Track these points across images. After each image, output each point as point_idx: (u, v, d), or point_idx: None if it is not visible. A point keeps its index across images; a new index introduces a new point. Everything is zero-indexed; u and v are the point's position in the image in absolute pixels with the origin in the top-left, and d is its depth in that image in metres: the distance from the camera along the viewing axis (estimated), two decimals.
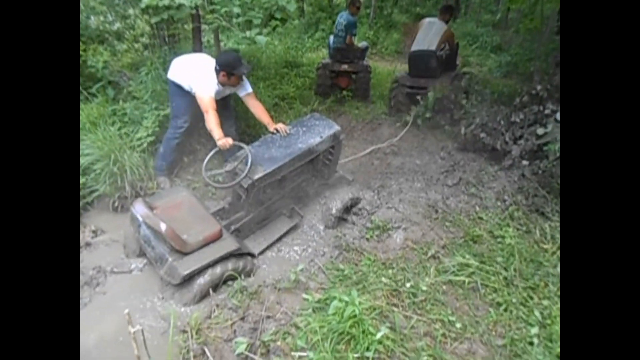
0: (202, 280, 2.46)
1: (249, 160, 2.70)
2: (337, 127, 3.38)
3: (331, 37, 6.34)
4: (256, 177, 2.76)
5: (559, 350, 2.06)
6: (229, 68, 3.06)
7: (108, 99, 3.85)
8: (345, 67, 6.08)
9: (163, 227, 2.31)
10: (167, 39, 4.85)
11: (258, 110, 3.35)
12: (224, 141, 2.91)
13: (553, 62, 4.16)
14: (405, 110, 5.51)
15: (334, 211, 3.17)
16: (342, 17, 6.10)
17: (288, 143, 3.11)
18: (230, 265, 2.56)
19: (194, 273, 2.39)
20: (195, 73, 3.22)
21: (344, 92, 6.22)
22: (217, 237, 2.58)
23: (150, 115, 3.63)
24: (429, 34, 5.40)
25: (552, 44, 7.10)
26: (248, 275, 2.72)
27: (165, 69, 3.95)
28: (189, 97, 3.40)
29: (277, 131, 3.24)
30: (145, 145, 3.66)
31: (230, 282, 2.60)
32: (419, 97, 5.27)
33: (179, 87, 3.38)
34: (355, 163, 4.50)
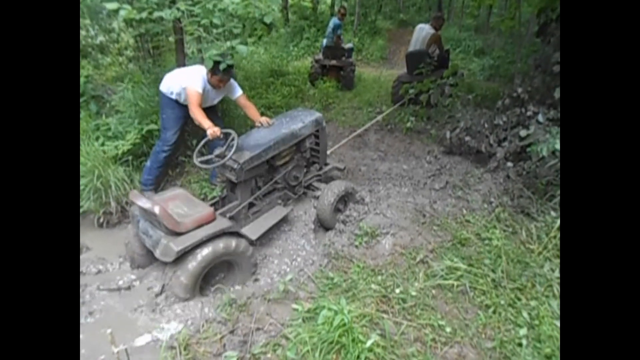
0: (196, 258, 2.49)
1: (235, 144, 2.86)
2: (318, 114, 3.57)
3: (324, 39, 7.89)
4: (242, 160, 2.91)
5: (547, 350, 2.08)
6: (214, 68, 3.19)
7: (91, 113, 3.82)
8: (334, 62, 7.47)
9: (157, 208, 2.38)
10: (151, 52, 4.85)
11: (251, 110, 3.55)
12: (213, 130, 2.98)
13: (533, 64, 4.23)
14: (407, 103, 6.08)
15: (330, 199, 3.28)
16: (331, 21, 7.65)
17: (272, 131, 3.31)
18: (227, 243, 2.60)
19: (187, 249, 2.45)
20: (187, 73, 3.36)
21: (328, 83, 7.22)
22: (211, 219, 2.65)
23: (133, 129, 3.60)
24: (420, 38, 6.33)
25: (532, 46, 7.25)
26: (248, 261, 2.79)
27: (150, 82, 3.95)
28: (179, 110, 3.47)
29: (261, 124, 3.42)
30: (130, 159, 3.63)
31: (218, 295, 2.57)
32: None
33: (170, 99, 3.44)
34: (342, 165, 4.53)
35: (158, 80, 3.93)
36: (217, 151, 2.97)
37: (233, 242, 2.66)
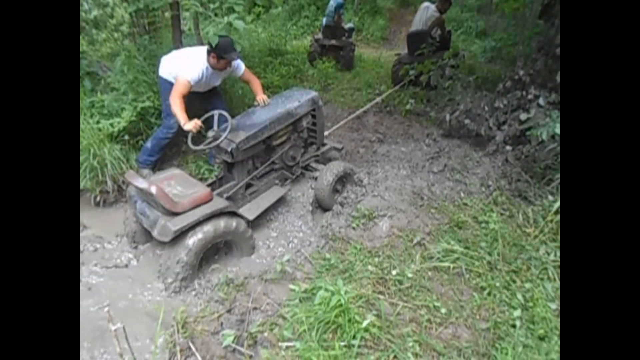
0: (195, 238, 2.49)
1: (229, 125, 2.84)
2: (314, 93, 3.51)
3: (324, 19, 7.58)
4: (238, 140, 2.87)
5: (541, 331, 2.12)
6: (220, 51, 3.10)
7: (86, 90, 3.74)
8: (333, 42, 7.32)
9: (154, 189, 2.37)
10: (147, 28, 4.72)
11: (254, 84, 3.50)
12: (191, 124, 2.88)
13: (536, 47, 4.16)
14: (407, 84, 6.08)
15: (329, 179, 3.28)
16: (334, 0, 7.27)
17: (268, 110, 3.26)
18: (223, 223, 2.60)
19: (184, 229, 2.45)
20: (183, 59, 3.25)
21: (327, 63, 7.06)
22: (208, 199, 2.64)
23: (129, 106, 3.53)
24: (423, 18, 6.21)
25: (535, 28, 7.12)
26: (247, 242, 2.80)
27: (145, 58, 3.86)
28: None
29: (258, 103, 3.37)
30: (126, 138, 3.58)
31: (216, 275, 2.59)
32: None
33: (170, 84, 3.31)
34: (340, 145, 4.50)
35: (153, 56, 3.85)
36: (211, 132, 2.91)
37: (232, 222, 2.66)
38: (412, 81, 5.80)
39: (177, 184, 2.73)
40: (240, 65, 3.43)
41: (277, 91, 5.61)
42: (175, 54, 3.42)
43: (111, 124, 3.46)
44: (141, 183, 2.45)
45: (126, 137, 3.57)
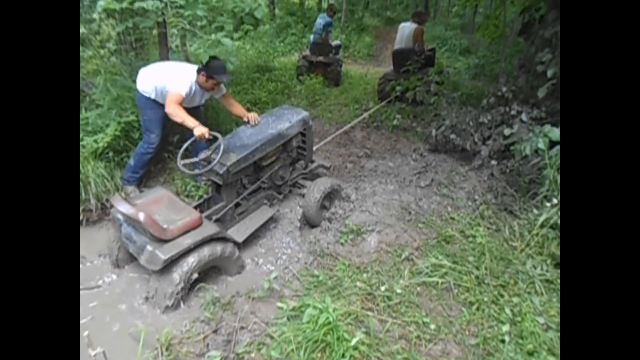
0: (184, 266, 2.42)
1: (221, 148, 2.74)
2: (305, 113, 3.47)
3: (312, 36, 7.79)
4: (229, 163, 2.80)
5: (529, 346, 2.11)
6: (211, 71, 3.09)
7: None
8: (321, 58, 7.45)
9: (141, 216, 2.28)
10: (133, 44, 4.72)
11: (234, 107, 3.43)
12: (200, 131, 2.84)
13: (517, 64, 4.29)
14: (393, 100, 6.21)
15: (316, 196, 3.25)
16: (321, 18, 7.59)
17: (259, 131, 3.19)
18: (212, 250, 2.54)
19: (175, 257, 2.37)
20: (171, 74, 3.20)
21: (314, 79, 7.18)
22: (197, 224, 2.57)
23: (112, 122, 3.50)
24: (404, 36, 6.38)
25: (516, 46, 7.35)
26: (236, 265, 2.77)
27: (131, 75, 3.84)
28: (159, 110, 3.33)
29: (249, 120, 3.30)
30: (110, 155, 3.53)
31: (202, 294, 2.53)
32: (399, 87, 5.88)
33: (148, 99, 3.30)
34: (328, 163, 4.51)
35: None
36: (203, 154, 2.83)
37: (222, 248, 2.60)
38: (398, 97, 5.89)
39: (164, 208, 2.65)
40: (222, 87, 3.41)
41: (265, 107, 5.64)
42: (154, 67, 3.35)
43: (95, 140, 3.42)
44: (128, 209, 2.36)
45: (110, 154, 3.52)
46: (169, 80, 3.14)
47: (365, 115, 5.76)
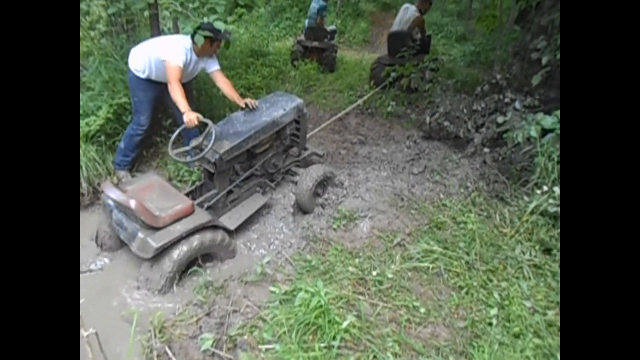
0: (176, 254, 2.43)
1: (213, 135, 2.68)
2: (299, 100, 3.43)
3: (306, 20, 7.62)
4: (222, 150, 2.77)
5: (516, 329, 2.16)
6: (214, 34, 3.01)
7: None
8: (315, 43, 7.32)
9: (132, 203, 2.27)
10: (124, 26, 4.62)
11: (227, 87, 3.29)
12: (190, 116, 2.78)
13: (512, 52, 4.27)
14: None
15: (309, 184, 3.24)
16: (315, 2, 7.30)
17: (252, 118, 3.14)
18: (205, 238, 2.54)
19: (166, 245, 2.36)
20: (164, 46, 3.11)
21: (309, 65, 7.04)
22: (190, 212, 2.56)
23: (104, 104, 3.45)
24: (404, 18, 6.20)
25: (512, 34, 7.30)
26: (228, 252, 2.77)
27: (123, 58, 3.78)
28: (150, 91, 3.30)
29: (247, 105, 3.22)
30: (102, 138, 3.49)
31: (194, 278, 2.55)
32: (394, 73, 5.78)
33: (139, 79, 3.24)
34: (322, 150, 4.50)
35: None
36: (194, 142, 2.78)
37: (214, 236, 2.60)
38: (392, 83, 5.84)
39: (156, 195, 2.63)
40: (215, 59, 3.32)
41: (258, 92, 5.59)
42: (146, 44, 3.27)
43: (87, 123, 3.37)
44: (119, 196, 2.34)
45: (102, 138, 3.48)
46: (162, 51, 3.06)
47: (360, 101, 5.73)
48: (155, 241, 2.34)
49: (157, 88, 3.29)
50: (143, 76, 3.23)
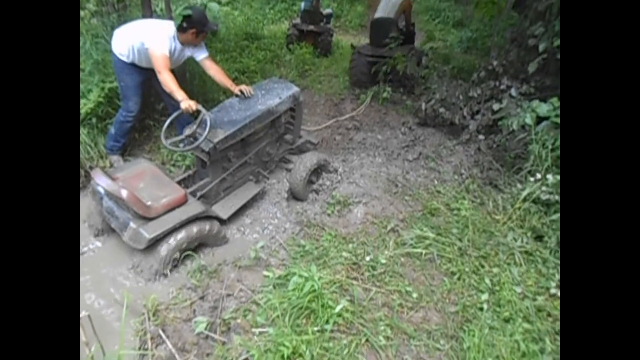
0: (169, 244, 2.42)
1: (208, 124, 2.63)
2: (295, 88, 3.38)
3: (302, 3, 7.43)
4: (216, 140, 2.72)
5: (506, 314, 2.20)
6: (200, 25, 2.90)
7: None
8: (311, 27, 7.21)
9: (124, 193, 2.23)
10: (115, 6, 4.51)
11: (218, 74, 3.19)
12: (187, 103, 2.72)
13: (509, 38, 4.23)
14: (367, 80, 5.68)
15: (302, 174, 3.21)
16: None
17: (247, 106, 3.07)
18: (197, 228, 2.53)
19: (159, 237, 2.35)
20: (147, 31, 2.98)
21: (305, 49, 6.87)
22: (182, 202, 2.53)
23: (95, 87, 3.38)
24: (389, 3, 5.67)
25: (510, 20, 7.24)
26: (220, 241, 2.75)
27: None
28: (137, 75, 3.20)
29: (242, 92, 3.15)
30: (94, 121, 3.43)
31: (188, 262, 2.55)
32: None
33: (125, 63, 3.13)
34: (317, 138, 4.48)
35: None
36: (188, 130, 2.72)
37: (207, 226, 2.59)
38: (377, 79, 5.43)
39: (148, 183, 2.58)
40: (203, 46, 3.21)
41: (253, 76, 5.52)
42: (130, 26, 3.13)
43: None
44: (110, 185, 2.29)
45: (93, 120, 3.43)
46: (146, 38, 2.93)
47: (354, 114, 5.12)
48: (148, 232, 2.31)
49: (144, 73, 3.19)
50: (128, 60, 3.12)
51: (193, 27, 2.91)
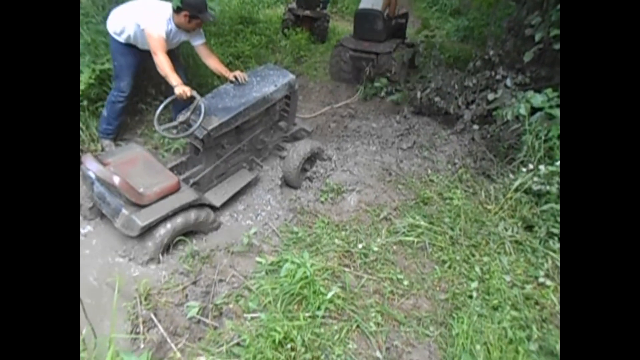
0: (161, 232, 2.41)
1: (202, 111, 2.59)
2: (291, 76, 3.34)
3: None
4: (210, 127, 2.69)
5: (495, 301, 2.23)
6: (194, 10, 2.84)
7: None
8: (307, 12, 7.06)
9: (116, 179, 2.21)
10: None
11: (213, 61, 3.16)
12: (182, 89, 2.68)
13: (506, 27, 4.21)
14: (348, 75, 5.45)
15: (296, 162, 3.20)
16: None
17: (242, 93, 3.04)
18: (190, 216, 2.52)
19: (152, 224, 2.33)
20: (143, 11, 2.93)
21: (300, 35, 6.77)
22: (175, 189, 2.51)
23: (87, 69, 3.31)
24: None
25: (507, 9, 7.19)
26: (212, 228, 2.75)
27: (103, 18, 3.61)
28: (131, 56, 3.14)
29: (236, 79, 3.11)
30: (85, 103, 3.37)
31: (181, 247, 2.55)
32: (363, 63, 5.20)
33: (119, 43, 3.08)
34: (312, 125, 4.45)
35: None
36: (182, 117, 2.68)
37: (200, 214, 2.58)
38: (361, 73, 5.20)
39: (140, 169, 2.55)
40: (201, 32, 3.16)
41: (247, 61, 5.45)
42: (126, 6, 3.07)
43: None
44: (102, 172, 2.26)
45: (84, 103, 3.36)
46: (142, 19, 2.88)
47: (340, 104, 5.07)
48: (141, 219, 2.29)
49: (139, 54, 3.14)
50: (122, 40, 3.06)
51: (187, 10, 2.84)
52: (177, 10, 2.87)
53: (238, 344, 1.91)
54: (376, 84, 5.11)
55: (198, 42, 3.15)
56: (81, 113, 3.35)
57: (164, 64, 2.76)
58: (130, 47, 3.11)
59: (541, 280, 2.35)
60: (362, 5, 5.32)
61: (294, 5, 7.29)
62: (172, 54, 3.13)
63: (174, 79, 2.73)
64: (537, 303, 2.25)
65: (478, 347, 1.99)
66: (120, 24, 3.02)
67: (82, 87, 3.27)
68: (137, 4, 3.09)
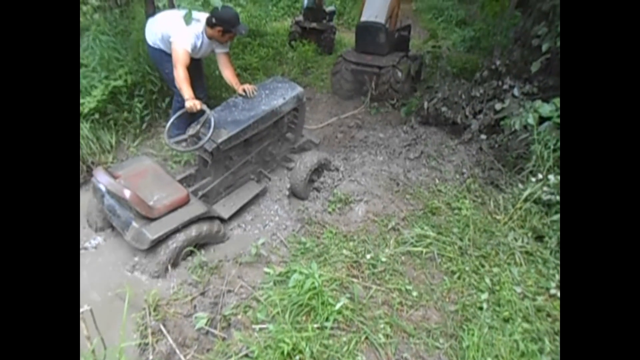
0: (171, 245, 2.43)
1: (212, 124, 2.62)
2: (300, 89, 3.37)
3: (305, 0, 7.33)
4: (220, 140, 2.72)
5: (506, 313, 2.20)
6: (228, 25, 2.90)
7: None
8: (314, 25, 7.17)
9: (127, 193, 2.24)
10: (118, 1, 4.51)
11: (229, 71, 3.23)
12: (192, 103, 2.72)
13: (512, 37, 4.22)
14: (350, 90, 5.41)
15: (303, 174, 3.21)
16: None
17: (251, 106, 3.07)
18: (200, 228, 2.54)
19: (162, 237, 2.35)
20: (175, 23, 2.98)
21: (307, 46, 6.77)
22: (185, 202, 2.54)
23: (100, 84, 3.38)
24: (377, 4, 5.09)
25: (513, 19, 7.22)
26: (220, 239, 2.76)
27: (116, 34, 3.70)
28: None
29: (245, 92, 3.15)
30: (96, 116, 3.44)
31: (189, 258, 2.56)
32: (365, 77, 5.19)
33: (164, 52, 3.12)
34: (319, 136, 4.48)
35: (125, 32, 3.69)
36: (192, 130, 2.73)
37: (209, 227, 2.60)
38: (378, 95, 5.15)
39: (150, 182, 2.58)
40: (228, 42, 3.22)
41: (255, 73, 5.52)
42: (161, 16, 3.15)
43: (81, 104, 3.31)
44: (113, 185, 2.30)
45: (96, 116, 3.43)
46: (172, 29, 2.93)
47: (346, 115, 5.05)
48: (151, 233, 2.31)
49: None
50: (167, 50, 3.10)
51: (221, 25, 2.90)
52: (211, 25, 2.92)
53: (246, 355, 1.90)
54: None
55: (222, 50, 3.21)
56: (93, 126, 3.42)
57: (181, 77, 2.82)
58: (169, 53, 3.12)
59: (553, 291, 2.32)
60: (364, 18, 5.16)
61: (300, 17, 7.41)
62: (198, 61, 3.20)
63: (187, 92, 2.78)
64: (549, 315, 2.21)
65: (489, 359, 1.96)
66: (154, 33, 3.09)
67: (94, 102, 3.33)
68: (170, 15, 3.14)
